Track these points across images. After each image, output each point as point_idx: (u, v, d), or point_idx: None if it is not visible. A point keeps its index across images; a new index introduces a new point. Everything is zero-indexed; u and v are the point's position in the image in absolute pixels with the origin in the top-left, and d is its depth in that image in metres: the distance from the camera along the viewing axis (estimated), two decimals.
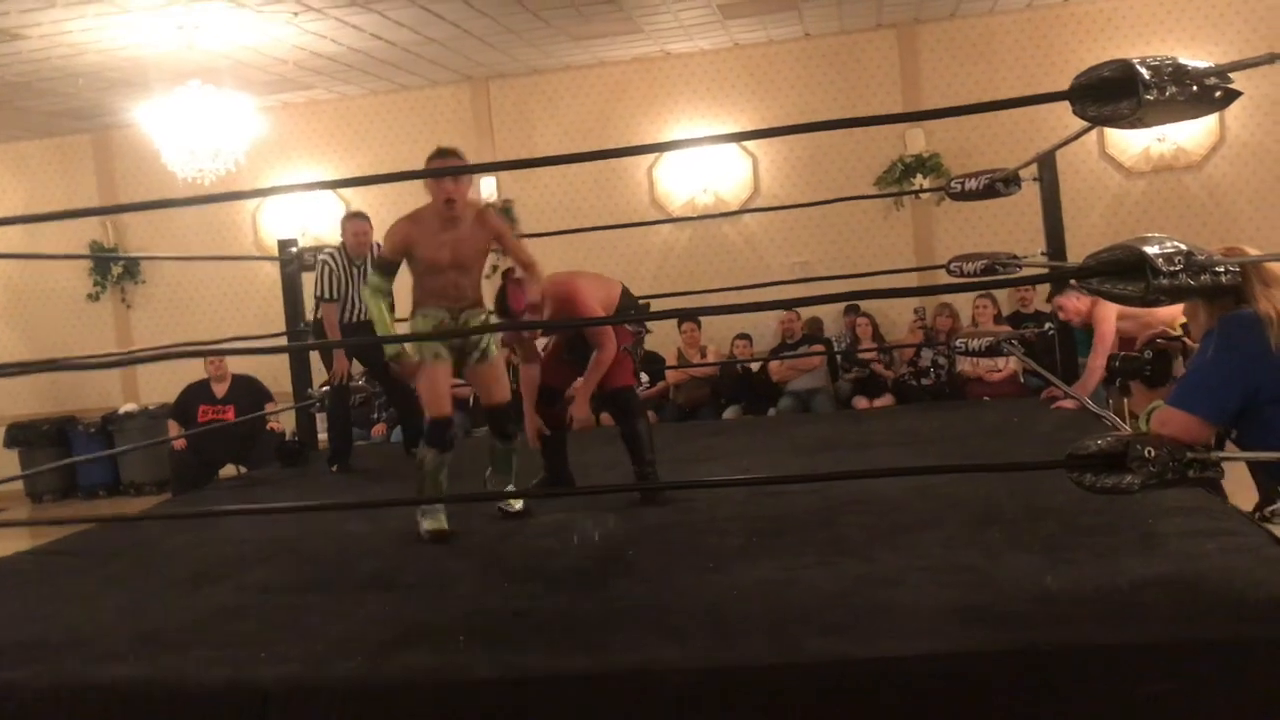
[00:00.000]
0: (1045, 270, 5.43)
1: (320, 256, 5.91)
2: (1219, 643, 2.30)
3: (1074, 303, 5.39)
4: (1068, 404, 5.42)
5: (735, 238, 9.27)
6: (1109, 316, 5.23)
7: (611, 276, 4.54)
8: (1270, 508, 2.71)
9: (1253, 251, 2.54)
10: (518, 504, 4.12)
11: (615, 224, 7.67)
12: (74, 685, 2.67)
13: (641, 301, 5.54)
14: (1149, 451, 2.43)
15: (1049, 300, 5.59)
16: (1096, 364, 5.15)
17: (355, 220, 5.90)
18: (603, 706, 2.44)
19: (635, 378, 4.45)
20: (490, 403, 4.17)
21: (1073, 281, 5.23)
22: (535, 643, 2.64)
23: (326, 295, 5.77)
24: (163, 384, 9.59)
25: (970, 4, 8.49)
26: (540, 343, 4.54)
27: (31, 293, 10.23)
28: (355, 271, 5.83)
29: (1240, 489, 3.51)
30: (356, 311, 5.82)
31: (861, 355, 8.37)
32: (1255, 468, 2.55)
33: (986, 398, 7.38)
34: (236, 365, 8.08)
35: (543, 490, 4.44)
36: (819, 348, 8.54)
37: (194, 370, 8.20)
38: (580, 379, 4.40)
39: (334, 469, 5.81)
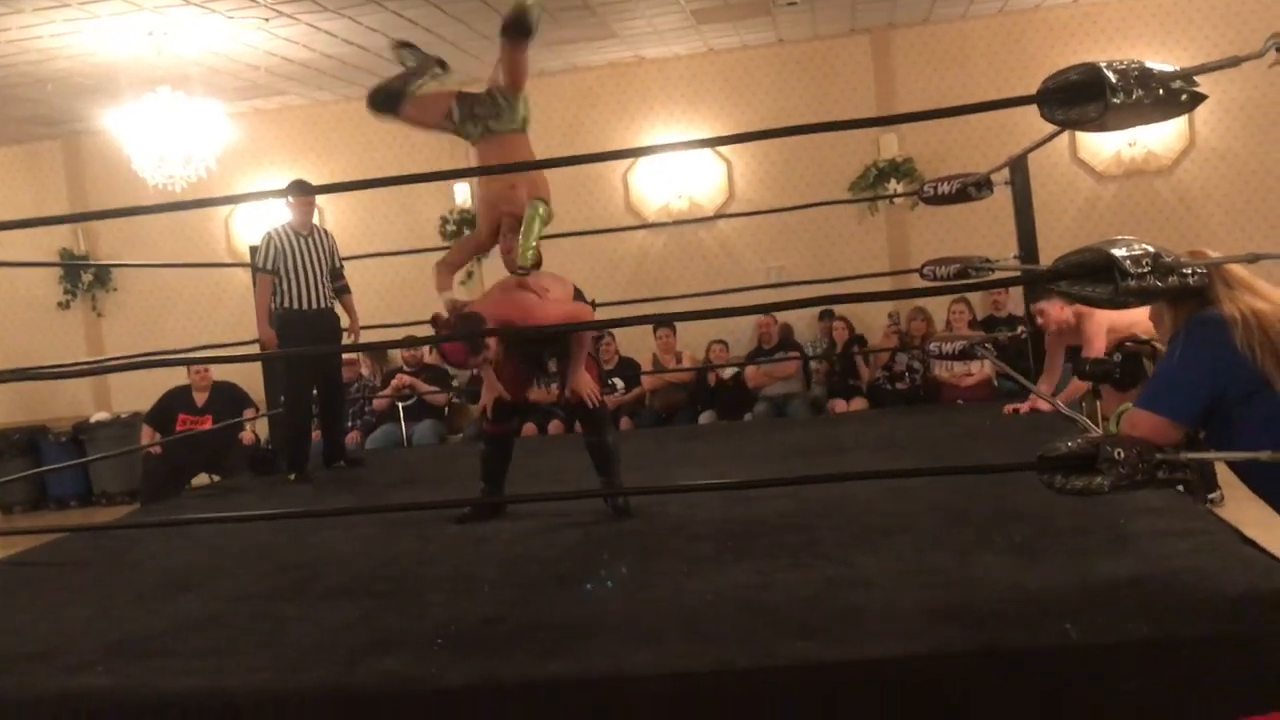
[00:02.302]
0: (1018, 273, 5.46)
1: (266, 231, 5.78)
2: (1190, 640, 2.32)
3: (1056, 311, 5.25)
4: (1024, 407, 5.47)
5: (710, 243, 9.28)
6: (1100, 332, 5.10)
7: (580, 282, 4.42)
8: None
9: (1214, 254, 2.56)
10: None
11: (590, 230, 7.67)
12: (44, 696, 2.64)
13: (615, 307, 5.53)
14: (1118, 453, 2.45)
15: (1030, 305, 5.53)
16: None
17: (299, 192, 5.60)
18: (577, 712, 2.43)
19: (600, 383, 4.35)
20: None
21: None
22: (509, 649, 2.63)
23: (264, 266, 5.66)
24: (135, 392, 9.51)
25: (944, 9, 8.55)
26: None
27: (1, 301, 10.13)
28: (303, 246, 5.70)
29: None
30: (309, 297, 5.68)
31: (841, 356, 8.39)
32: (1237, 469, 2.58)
33: (960, 401, 7.41)
34: (217, 373, 8.02)
35: (513, 496, 4.41)
36: (795, 354, 8.56)
37: (167, 377, 8.13)
38: (536, 388, 4.38)
39: (292, 478, 5.68)
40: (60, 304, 10.02)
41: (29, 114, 8.90)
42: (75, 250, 9.89)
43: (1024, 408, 5.50)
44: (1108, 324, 5.08)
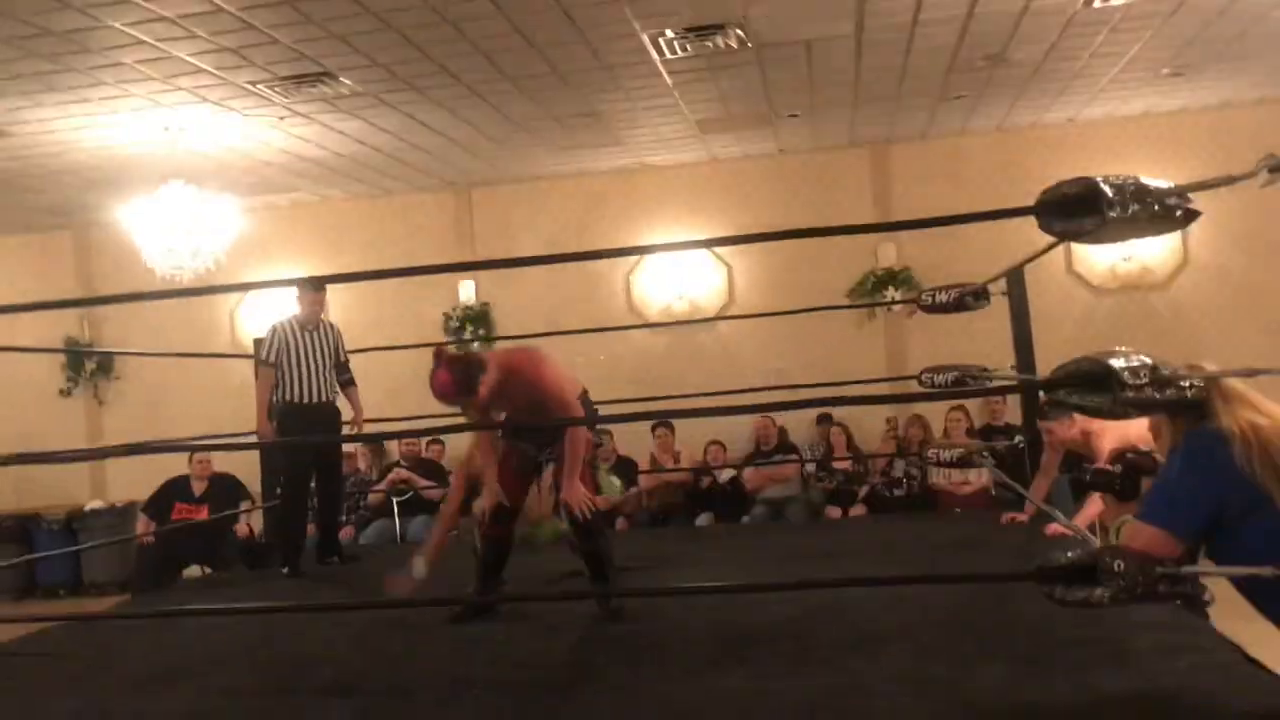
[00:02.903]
0: (1015, 382, 5.48)
1: (272, 324, 5.83)
2: None
3: (1063, 431, 5.12)
4: (1022, 516, 5.44)
5: (711, 345, 9.35)
6: (1105, 450, 5.03)
7: (581, 379, 4.30)
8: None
9: (1211, 368, 2.59)
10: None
11: (593, 328, 7.73)
12: None
13: (615, 404, 5.51)
14: (1118, 565, 2.44)
15: (1038, 423, 5.42)
16: (1095, 499, 4.94)
17: (311, 288, 5.77)
18: None
19: (594, 489, 4.26)
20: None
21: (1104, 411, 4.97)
22: None
23: (267, 359, 5.70)
24: (131, 481, 9.45)
25: (941, 125, 8.75)
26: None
27: (3, 386, 10.13)
28: (307, 340, 5.74)
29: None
30: (311, 390, 5.70)
31: (837, 466, 8.38)
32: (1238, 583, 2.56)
33: (958, 510, 7.39)
34: (216, 464, 8.00)
35: (502, 597, 4.35)
36: (794, 457, 8.55)
37: (162, 468, 8.11)
38: (538, 487, 4.29)
39: (285, 572, 5.61)
40: (62, 391, 10.04)
41: (43, 204, 9.04)
42: (81, 338, 9.95)
43: (1022, 517, 5.48)
44: (1118, 441, 4.97)
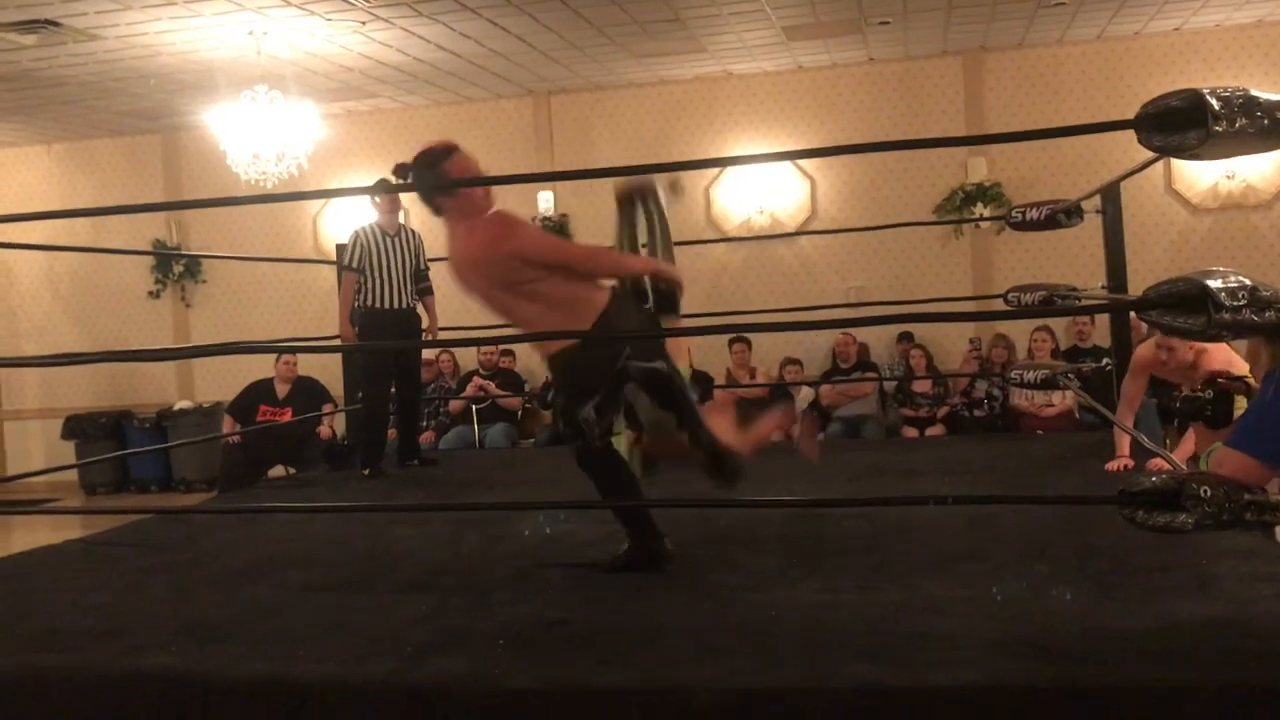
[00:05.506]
0: (1105, 301, 5.32)
1: (355, 229, 5.87)
2: (1268, 688, 2.23)
3: (1184, 351, 4.68)
4: (1129, 462, 5.06)
5: (790, 260, 9.23)
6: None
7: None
8: None
9: None
10: None
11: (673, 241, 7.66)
12: (115, 673, 2.70)
13: (691, 319, 5.43)
14: (1204, 491, 2.37)
15: (1155, 333, 4.99)
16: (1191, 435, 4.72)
17: (385, 188, 5.74)
18: None
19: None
20: None
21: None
22: (571, 654, 2.64)
23: (349, 264, 5.76)
24: (218, 382, 9.73)
25: (1039, 33, 8.41)
26: None
27: (95, 288, 10.44)
28: (389, 245, 5.78)
29: None
30: (393, 296, 5.76)
31: (917, 389, 8.25)
32: None
33: (1040, 431, 7.27)
34: (300, 367, 8.17)
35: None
36: (872, 375, 8.47)
37: (248, 370, 8.32)
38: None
39: (366, 473, 5.73)
40: (151, 293, 10.29)
41: (131, 108, 9.17)
42: (168, 242, 10.16)
43: (1129, 462, 5.09)
44: (1224, 365, 4.71)
